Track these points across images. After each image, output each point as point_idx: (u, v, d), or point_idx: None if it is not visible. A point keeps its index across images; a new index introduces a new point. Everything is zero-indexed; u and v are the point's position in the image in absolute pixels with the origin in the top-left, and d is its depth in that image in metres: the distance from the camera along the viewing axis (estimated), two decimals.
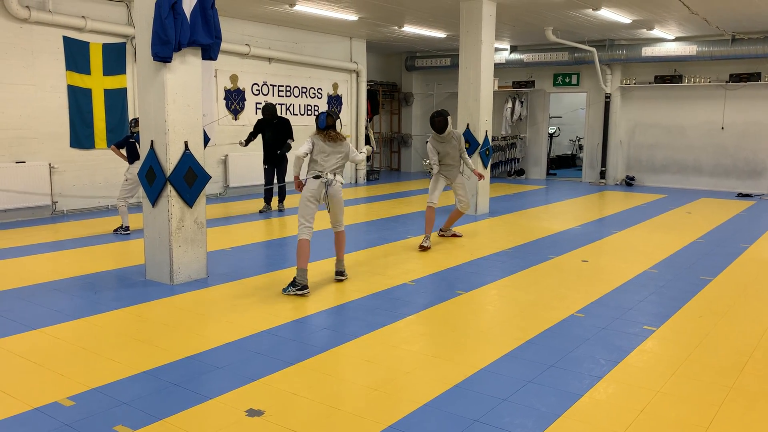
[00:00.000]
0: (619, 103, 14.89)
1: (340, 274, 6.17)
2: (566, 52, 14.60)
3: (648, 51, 13.86)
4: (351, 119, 15.04)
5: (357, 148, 15.11)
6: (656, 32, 12.87)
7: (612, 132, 15.03)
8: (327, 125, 5.92)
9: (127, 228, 8.27)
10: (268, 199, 10.35)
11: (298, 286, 5.60)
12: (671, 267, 6.78)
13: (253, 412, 3.38)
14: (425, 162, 7.83)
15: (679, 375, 3.92)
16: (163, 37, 5.47)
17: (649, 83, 14.36)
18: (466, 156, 7.84)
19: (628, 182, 14.90)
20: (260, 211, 10.23)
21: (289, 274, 6.27)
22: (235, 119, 12.17)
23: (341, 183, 5.96)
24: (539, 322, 4.90)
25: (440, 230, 8.34)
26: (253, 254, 7.38)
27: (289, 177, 10.28)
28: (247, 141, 10.15)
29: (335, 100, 14.47)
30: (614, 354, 4.26)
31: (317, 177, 5.80)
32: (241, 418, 3.32)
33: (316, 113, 13.95)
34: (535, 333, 4.66)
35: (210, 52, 5.94)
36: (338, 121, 6.05)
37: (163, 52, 5.51)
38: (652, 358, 4.25)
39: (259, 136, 10.20)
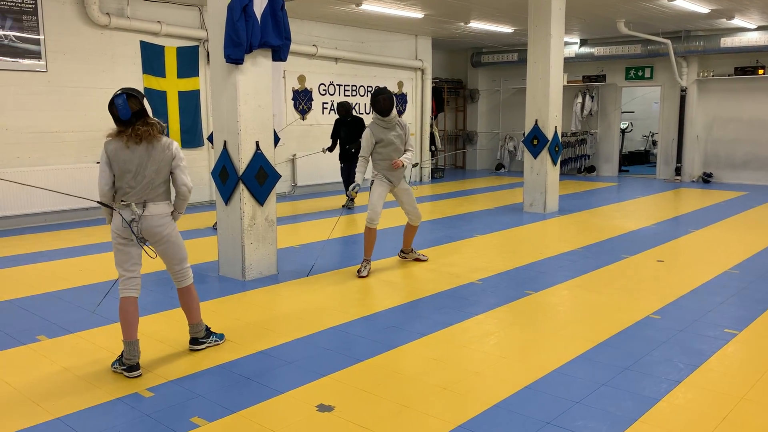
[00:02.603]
0: (696, 97, 14.28)
1: (194, 342, 4.24)
2: (639, 44, 14.11)
3: (727, 41, 13.22)
4: (416, 117, 15.02)
5: (422, 147, 15.25)
6: (736, 21, 12.26)
7: (688, 127, 14.44)
8: (132, 115, 3.60)
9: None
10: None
11: (125, 366, 3.82)
12: (754, 268, 6.46)
13: (323, 408, 3.42)
14: (350, 190, 6.30)
15: (764, 381, 3.73)
16: (236, 39, 5.60)
17: (729, 75, 13.69)
18: (411, 151, 6.40)
19: (706, 179, 14.28)
20: (343, 206, 10.34)
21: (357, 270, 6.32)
22: (303, 119, 12.36)
23: (164, 215, 3.85)
24: (613, 324, 4.76)
25: (401, 252, 6.91)
26: (321, 251, 7.47)
27: None
28: (332, 147, 10.23)
29: (400, 99, 14.48)
30: (693, 358, 4.09)
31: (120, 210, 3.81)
32: (312, 413, 3.37)
33: None
34: (609, 335, 4.53)
35: (280, 54, 6.05)
36: (157, 125, 3.74)
37: (235, 54, 5.65)
38: (734, 362, 4.06)
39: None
